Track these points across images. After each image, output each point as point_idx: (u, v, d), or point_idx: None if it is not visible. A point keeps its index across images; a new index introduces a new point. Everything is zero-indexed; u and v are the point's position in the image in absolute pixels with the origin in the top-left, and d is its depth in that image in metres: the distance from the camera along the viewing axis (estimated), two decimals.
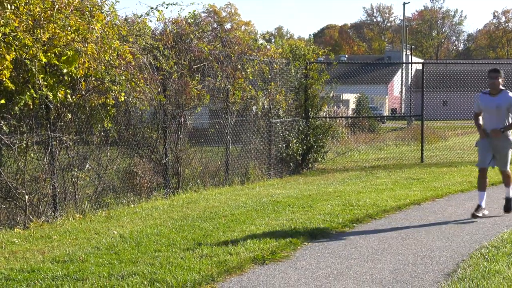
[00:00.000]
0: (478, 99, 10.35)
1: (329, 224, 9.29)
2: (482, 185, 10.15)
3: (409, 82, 46.08)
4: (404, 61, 62.93)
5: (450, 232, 9.05)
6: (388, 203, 11.07)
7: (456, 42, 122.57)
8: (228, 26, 16.20)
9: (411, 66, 52.65)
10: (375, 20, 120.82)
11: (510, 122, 10.08)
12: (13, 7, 8.98)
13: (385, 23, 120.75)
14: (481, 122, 10.31)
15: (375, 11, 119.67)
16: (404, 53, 67.48)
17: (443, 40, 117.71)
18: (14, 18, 8.95)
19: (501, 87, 10.07)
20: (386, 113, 50.16)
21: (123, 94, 10.65)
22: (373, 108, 41.49)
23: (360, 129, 25.83)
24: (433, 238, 8.66)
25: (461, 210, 10.75)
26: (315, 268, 7.16)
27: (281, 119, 16.50)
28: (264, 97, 15.57)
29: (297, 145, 16.79)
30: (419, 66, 22.53)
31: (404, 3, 70.27)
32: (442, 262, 7.38)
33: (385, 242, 8.43)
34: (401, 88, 54.62)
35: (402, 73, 58.23)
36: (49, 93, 9.48)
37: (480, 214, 9.99)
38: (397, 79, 63.68)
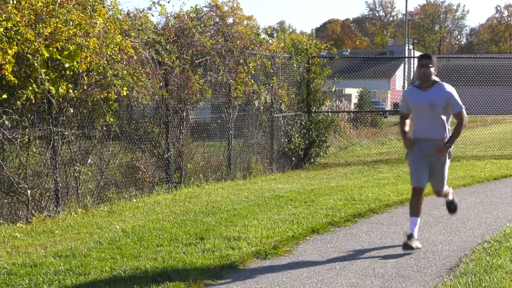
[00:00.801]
0: (406, 95, 8.05)
1: (331, 218, 9.28)
2: (415, 209, 7.79)
3: (412, 77, 46.03)
4: (407, 55, 62.84)
5: (453, 226, 9.04)
6: (390, 198, 11.06)
7: (459, 37, 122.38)
8: (230, 20, 16.14)
9: (414, 61, 52.57)
10: (377, 14, 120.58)
11: (453, 129, 7.76)
12: (15, 2, 8.99)
13: (388, 17, 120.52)
14: (407, 128, 8.09)
15: (377, 5, 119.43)
16: (407, 47, 67.40)
17: (445, 35, 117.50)
18: (16, 12, 8.95)
19: (434, 78, 7.68)
20: (388, 107, 50.11)
21: (125, 88, 10.65)
22: (375, 102, 41.43)
23: (362, 123, 25.82)
24: (435, 232, 8.66)
25: (463, 205, 10.72)
26: (317, 262, 7.16)
27: (283, 114, 16.48)
28: (266, 92, 15.55)
29: (299, 139, 16.78)
30: None
31: None
32: (444, 257, 7.37)
33: (388, 236, 8.42)
34: (404, 83, 54.56)
35: (404, 67, 58.13)
36: (51, 87, 9.48)
37: (414, 245, 7.58)
38: (399, 74, 63.58)
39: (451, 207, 8.51)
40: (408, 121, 8.07)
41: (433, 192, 8.22)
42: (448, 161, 7.91)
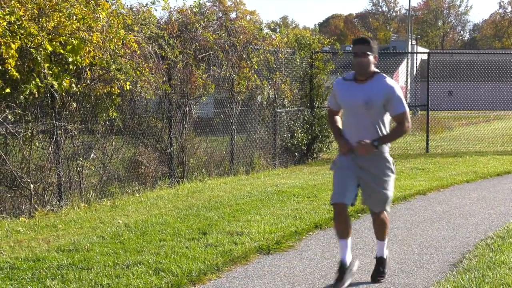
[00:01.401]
0: (336, 87, 6.28)
1: None
2: (342, 230, 6.12)
3: (415, 72, 46.02)
4: (410, 51, 62.77)
5: (455, 222, 9.03)
6: (393, 193, 11.02)
7: (462, 32, 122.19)
8: (233, 15, 16.16)
9: (417, 56, 52.54)
10: (380, 9, 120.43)
11: (388, 130, 6.13)
12: None
13: (391, 12, 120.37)
14: (339, 125, 6.35)
15: (380, 0, 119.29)
16: (410, 43, 67.24)
17: (448, 30, 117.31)
18: (19, 6, 8.94)
19: (373, 68, 6.09)
20: None
21: (128, 83, 10.64)
22: None
23: None
24: (438, 228, 8.65)
25: (466, 200, 10.73)
26: (320, 258, 7.16)
27: (286, 109, 16.47)
28: (269, 87, 15.54)
29: (302, 135, 16.77)
30: (425, 56, 22.46)
31: None
32: (447, 253, 7.37)
33: (390, 232, 8.39)
34: (407, 78, 54.50)
35: (407, 63, 58.04)
36: (54, 82, 9.47)
37: (346, 283, 6.04)
38: (402, 69, 63.43)
39: (381, 267, 6.40)
40: (338, 118, 6.39)
41: (371, 214, 6.40)
42: (392, 176, 6.21)
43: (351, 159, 6.05)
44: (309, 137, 17.17)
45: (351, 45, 6.20)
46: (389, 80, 6.03)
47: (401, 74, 62.51)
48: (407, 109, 6.01)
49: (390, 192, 6.18)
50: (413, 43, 68.45)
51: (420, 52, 29.64)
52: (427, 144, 19.45)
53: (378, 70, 6.08)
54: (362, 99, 5.95)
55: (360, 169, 6.04)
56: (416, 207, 10.18)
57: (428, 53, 21.11)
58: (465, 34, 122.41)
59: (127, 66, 10.56)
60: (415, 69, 51.36)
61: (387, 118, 6.07)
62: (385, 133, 6.03)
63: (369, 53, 5.97)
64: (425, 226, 8.79)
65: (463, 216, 9.47)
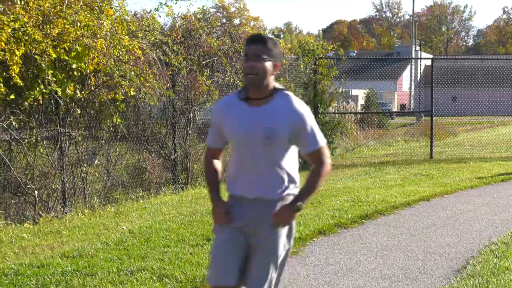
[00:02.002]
0: (218, 112, 4.22)
1: (338, 220, 9.27)
2: None
3: (418, 78, 46.01)
4: (414, 56, 62.73)
5: (459, 228, 9.02)
6: (397, 199, 11.04)
7: (466, 38, 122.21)
8: (237, 21, 16.27)
9: (421, 62, 52.53)
10: (384, 15, 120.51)
11: (308, 178, 4.31)
12: (23, 2, 9.01)
13: (395, 18, 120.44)
14: (217, 174, 4.67)
15: (384, 6, 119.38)
16: (413, 48, 67.20)
17: (452, 36, 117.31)
18: (24, 13, 8.97)
19: (273, 82, 4.04)
20: (395, 108, 50.02)
21: (132, 89, 10.66)
22: (382, 103, 41.35)
23: (369, 125, 25.77)
24: (442, 234, 8.64)
25: (470, 206, 10.71)
26: (324, 264, 7.15)
27: None
28: None
29: None
30: (429, 62, 22.46)
31: None
32: (451, 259, 7.36)
33: (394, 238, 8.41)
34: (410, 84, 54.47)
35: (411, 68, 58.00)
36: (58, 88, 9.50)
37: None
38: (406, 75, 63.48)
39: None
40: (218, 164, 4.63)
41: None
42: (287, 244, 4.19)
43: (233, 224, 4.26)
44: None
45: (244, 44, 4.37)
46: (296, 102, 4.05)
47: (405, 79, 62.56)
48: (325, 141, 4.24)
49: (275, 270, 4.11)
50: (417, 49, 68.44)
51: (424, 58, 29.66)
52: (431, 150, 19.42)
53: (281, 86, 4.11)
54: (262, 129, 4.00)
55: (247, 234, 4.19)
56: (420, 213, 10.17)
57: (432, 59, 21.11)
58: (469, 40, 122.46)
59: (131, 72, 10.58)
60: (419, 74, 51.36)
61: (293, 152, 4.24)
62: (290, 172, 4.27)
63: (265, 56, 3.94)
64: (429, 232, 8.78)
65: (467, 222, 9.45)
